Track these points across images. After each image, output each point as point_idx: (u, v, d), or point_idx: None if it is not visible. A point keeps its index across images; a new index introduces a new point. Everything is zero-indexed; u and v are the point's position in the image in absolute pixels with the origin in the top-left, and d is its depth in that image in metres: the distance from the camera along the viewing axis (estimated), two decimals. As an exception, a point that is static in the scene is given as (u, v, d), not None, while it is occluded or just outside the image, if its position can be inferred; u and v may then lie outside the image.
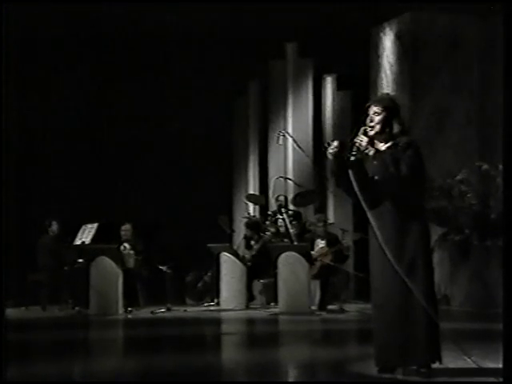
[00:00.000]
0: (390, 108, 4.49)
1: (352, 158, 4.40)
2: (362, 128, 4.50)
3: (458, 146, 10.70)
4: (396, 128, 4.48)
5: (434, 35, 11.02)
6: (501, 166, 8.93)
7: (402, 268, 4.30)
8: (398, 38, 11.27)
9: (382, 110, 4.48)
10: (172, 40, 12.50)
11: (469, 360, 4.50)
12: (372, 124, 4.48)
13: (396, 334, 4.34)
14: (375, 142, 4.52)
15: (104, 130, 12.88)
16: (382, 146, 4.49)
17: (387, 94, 4.82)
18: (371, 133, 4.47)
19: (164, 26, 12.12)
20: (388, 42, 11.44)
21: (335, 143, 4.45)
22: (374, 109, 4.49)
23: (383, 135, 4.49)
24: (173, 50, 12.67)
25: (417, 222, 4.40)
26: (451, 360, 4.67)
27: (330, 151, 4.41)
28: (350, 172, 4.38)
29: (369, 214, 4.44)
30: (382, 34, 11.53)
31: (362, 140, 4.44)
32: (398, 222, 4.40)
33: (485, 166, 9.61)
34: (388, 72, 11.40)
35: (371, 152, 4.45)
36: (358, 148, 4.44)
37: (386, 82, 11.39)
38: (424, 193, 4.54)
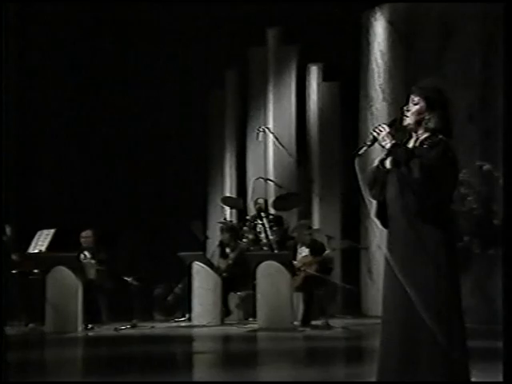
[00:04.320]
0: (430, 99, 4.36)
1: (361, 151, 4.33)
2: (392, 118, 4.44)
3: (457, 144, 10.71)
4: (433, 123, 4.38)
5: (431, 20, 11.05)
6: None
7: (411, 289, 4.19)
8: (391, 23, 11.29)
9: (420, 100, 4.39)
10: (141, 26, 12.49)
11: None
12: (407, 114, 4.40)
13: (402, 356, 4.28)
14: (412, 134, 4.42)
15: (64, 128, 12.84)
16: (414, 142, 4.40)
17: (432, 82, 4.59)
18: (405, 123, 4.39)
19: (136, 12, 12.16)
20: (380, 28, 11.46)
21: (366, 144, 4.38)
22: (412, 97, 4.41)
23: (419, 129, 4.39)
24: (142, 36, 12.64)
25: (432, 233, 4.26)
26: None
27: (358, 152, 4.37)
28: (356, 163, 4.30)
29: (374, 219, 4.37)
30: (372, 20, 11.54)
31: (382, 130, 4.35)
32: (409, 232, 4.28)
33: (487, 166, 9.65)
34: (379, 61, 11.41)
35: (388, 145, 4.35)
36: (375, 138, 4.36)
37: (378, 72, 11.41)
38: (444, 201, 4.36)
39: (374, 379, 4.43)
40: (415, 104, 4.37)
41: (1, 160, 7.98)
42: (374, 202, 4.46)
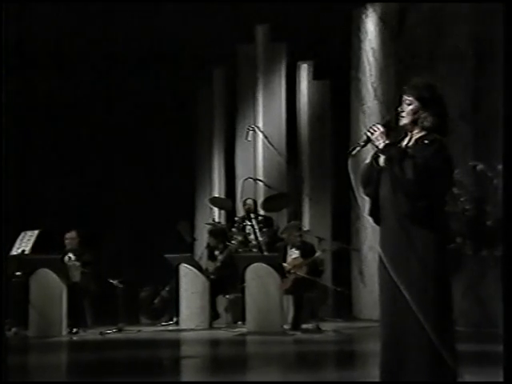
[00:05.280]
0: (423, 98, 4.39)
1: (354, 151, 4.37)
2: (386, 118, 4.48)
3: (449, 143, 10.75)
4: (429, 122, 4.41)
5: (423, 18, 11.08)
6: (499, 167, 8.99)
7: (403, 286, 4.22)
8: (383, 20, 11.32)
9: (413, 100, 4.42)
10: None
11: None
12: (402, 114, 4.44)
13: (397, 356, 4.32)
14: (407, 133, 4.46)
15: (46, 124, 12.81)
16: (408, 140, 4.44)
17: (423, 79, 4.62)
18: (400, 124, 4.43)
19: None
20: (371, 26, 11.49)
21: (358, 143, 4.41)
22: (404, 97, 4.45)
23: (415, 128, 4.44)
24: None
25: (422, 233, 4.26)
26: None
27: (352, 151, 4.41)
28: (349, 163, 4.34)
29: (368, 217, 4.41)
30: (364, 17, 11.57)
31: (376, 130, 4.39)
32: (399, 232, 4.32)
33: (480, 166, 9.68)
34: (371, 59, 11.44)
35: (381, 145, 4.38)
36: (368, 138, 4.40)
37: (369, 70, 11.44)
38: (437, 201, 4.32)
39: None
40: (408, 104, 4.42)
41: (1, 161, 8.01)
42: (368, 200, 4.51)
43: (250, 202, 11.24)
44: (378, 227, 4.50)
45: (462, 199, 9.69)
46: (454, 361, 4.27)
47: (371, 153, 4.48)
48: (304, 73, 12.39)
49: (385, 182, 4.38)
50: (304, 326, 9.75)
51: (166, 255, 10.35)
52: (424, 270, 4.27)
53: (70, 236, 10.61)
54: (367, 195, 4.48)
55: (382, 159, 4.39)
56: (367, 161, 4.48)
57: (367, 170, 4.47)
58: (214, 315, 10.47)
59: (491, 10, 10.05)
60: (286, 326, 9.63)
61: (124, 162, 12.57)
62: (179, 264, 10.38)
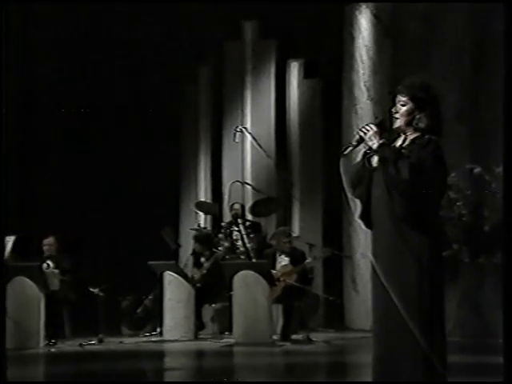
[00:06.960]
0: (418, 99, 4.43)
1: (346, 151, 4.40)
2: (379, 118, 4.51)
3: (445, 145, 10.77)
4: (423, 123, 4.43)
5: (419, 13, 11.14)
6: (497, 170, 9.04)
7: (394, 293, 4.25)
8: (377, 17, 11.36)
9: (408, 101, 4.44)
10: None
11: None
12: (397, 116, 4.46)
13: (390, 367, 4.34)
14: (401, 135, 4.49)
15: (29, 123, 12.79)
16: (402, 141, 4.48)
17: (418, 79, 4.63)
18: (395, 126, 4.46)
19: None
20: (364, 22, 11.53)
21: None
22: (399, 97, 4.47)
23: (408, 129, 4.46)
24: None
25: (418, 236, 4.30)
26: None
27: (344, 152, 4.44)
28: (341, 163, 4.36)
29: (359, 220, 4.43)
30: (357, 13, 11.60)
31: (369, 130, 4.41)
32: (393, 236, 4.35)
33: (477, 169, 9.73)
34: (364, 57, 11.48)
35: (375, 145, 4.41)
36: (361, 138, 4.42)
37: (362, 68, 11.47)
38: (432, 204, 4.38)
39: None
40: (403, 105, 4.44)
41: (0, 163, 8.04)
42: (359, 203, 4.53)
43: (237, 206, 11.24)
44: (370, 233, 4.52)
45: (458, 204, 9.73)
46: (444, 368, 4.30)
47: (362, 152, 4.52)
48: (294, 71, 12.40)
49: (378, 183, 4.41)
50: (294, 336, 9.77)
51: (150, 262, 10.34)
52: (419, 275, 4.30)
53: (49, 242, 10.58)
54: (357, 197, 4.51)
55: (375, 159, 4.42)
56: (358, 159, 4.52)
57: (358, 170, 4.50)
58: (199, 325, 10.47)
59: (489, 8, 10.12)
60: (274, 337, 9.64)
61: (105, 164, 12.53)
62: (163, 272, 10.38)
